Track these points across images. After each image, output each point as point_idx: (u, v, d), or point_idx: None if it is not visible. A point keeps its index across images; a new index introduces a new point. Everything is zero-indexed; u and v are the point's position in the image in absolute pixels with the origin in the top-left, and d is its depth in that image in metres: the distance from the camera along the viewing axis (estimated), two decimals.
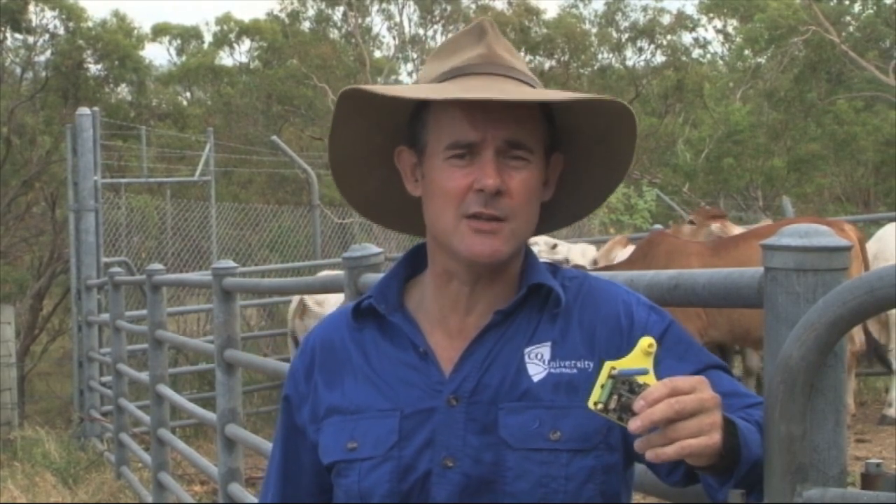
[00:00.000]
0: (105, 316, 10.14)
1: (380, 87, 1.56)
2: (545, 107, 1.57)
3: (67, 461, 9.22)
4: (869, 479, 1.49)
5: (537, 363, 1.54)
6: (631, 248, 8.25)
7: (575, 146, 1.63)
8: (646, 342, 1.38)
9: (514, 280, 1.59)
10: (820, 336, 1.38)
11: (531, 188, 1.54)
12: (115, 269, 9.55)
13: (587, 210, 1.73)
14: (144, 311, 7.71)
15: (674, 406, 1.30)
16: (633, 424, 1.31)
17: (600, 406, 1.35)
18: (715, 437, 1.33)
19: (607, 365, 1.36)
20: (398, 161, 1.63)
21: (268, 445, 4.49)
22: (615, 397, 1.34)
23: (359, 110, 1.60)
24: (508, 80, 1.56)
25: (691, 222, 8.25)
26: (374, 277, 3.29)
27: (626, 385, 1.34)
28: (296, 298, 9.51)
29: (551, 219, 1.69)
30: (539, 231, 1.65)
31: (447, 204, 1.53)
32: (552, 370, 1.53)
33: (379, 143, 1.65)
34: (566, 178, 1.64)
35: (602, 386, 1.35)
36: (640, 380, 1.34)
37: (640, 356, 1.37)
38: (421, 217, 1.61)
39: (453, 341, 1.57)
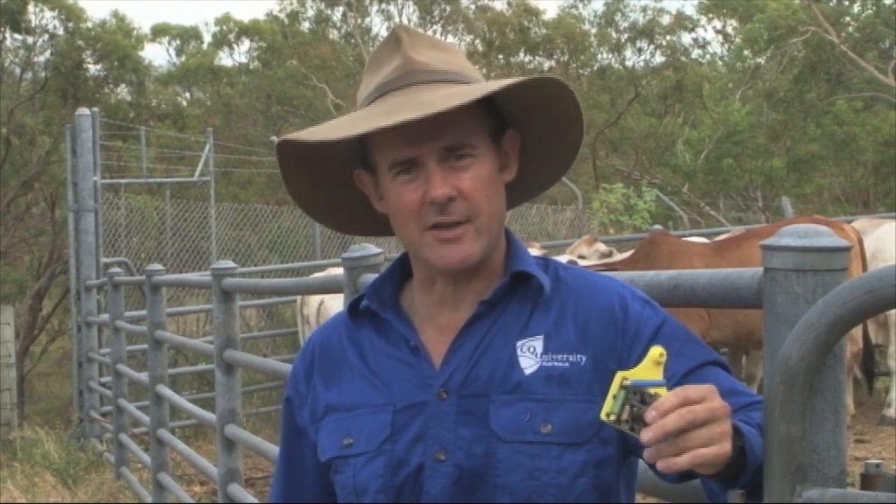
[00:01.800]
0: (104, 316, 10.14)
1: (309, 132, 1.56)
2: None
3: (67, 462, 9.21)
4: (868, 480, 1.50)
5: (529, 356, 1.54)
6: (599, 246, 8.31)
7: (524, 120, 1.61)
8: (657, 352, 1.37)
9: (499, 270, 1.59)
10: (819, 336, 1.38)
11: (486, 181, 1.53)
12: (115, 269, 9.55)
13: (554, 178, 1.72)
14: (144, 312, 7.71)
15: (686, 416, 1.30)
16: (646, 435, 1.31)
17: (613, 417, 1.34)
18: (726, 447, 1.33)
19: (619, 375, 1.35)
20: (359, 184, 1.63)
21: (267, 446, 4.49)
22: (627, 408, 1.34)
23: (305, 156, 1.61)
24: (430, 86, 1.54)
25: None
26: (373, 278, 3.29)
27: (638, 396, 1.34)
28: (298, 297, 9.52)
29: (519, 192, 1.68)
30: (510, 205, 1.65)
31: (406, 220, 1.53)
32: (544, 363, 1.53)
33: (339, 175, 1.65)
34: (525, 151, 1.63)
35: (614, 397, 1.35)
36: (651, 390, 1.34)
37: (650, 366, 1.37)
38: None
39: (443, 335, 1.58)
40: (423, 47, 1.58)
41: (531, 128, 1.63)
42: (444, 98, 1.49)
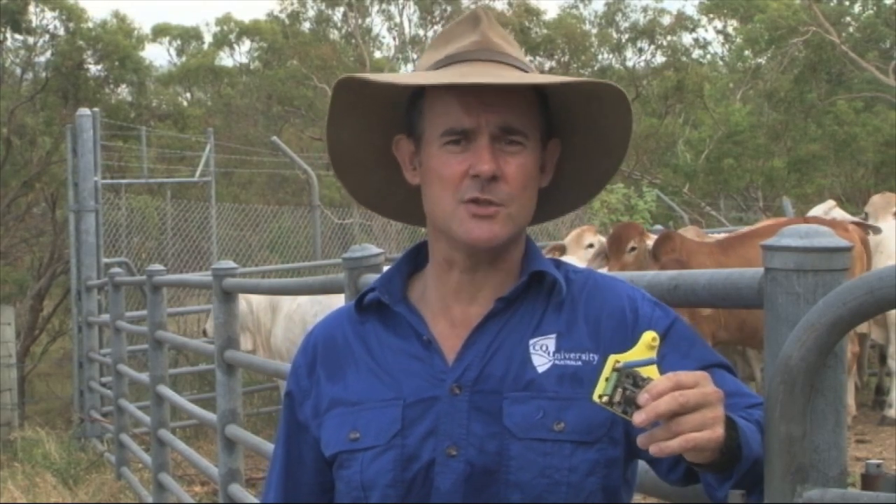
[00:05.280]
0: (105, 316, 10.13)
1: (374, 75, 1.57)
2: (541, 93, 1.58)
3: (68, 462, 9.22)
4: (869, 480, 1.49)
5: (542, 354, 1.54)
6: (601, 237, 8.39)
7: (571, 132, 1.63)
8: (649, 336, 1.38)
9: (516, 268, 1.60)
10: (820, 337, 1.38)
11: (527, 173, 1.55)
12: (116, 269, 9.55)
13: (585, 198, 1.74)
14: (145, 312, 7.71)
15: (678, 399, 1.30)
16: (638, 418, 1.31)
17: (605, 399, 1.35)
18: (718, 431, 1.33)
19: (611, 358, 1.36)
20: (396, 150, 1.64)
21: (268, 446, 4.49)
22: (619, 391, 1.34)
23: (355, 105, 1.61)
24: (502, 65, 1.56)
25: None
26: (374, 278, 3.28)
27: (631, 379, 1.34)
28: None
29: (550, 207, 1.70)
30: (538, 219, 1.67)
31: (444, 190, 1.54)
32: (557, 362, 1.54)
33: (378, 139, 1.66)
34: (564, 166, 1.65)
35: (606, 379, 1.35)
36: (644, 374, 1.34)
37: (643, 350, 1.37)
38: (422, 210, 1.63)
39: (456, 330, 1.57)
40: (496, 34, 1.60)
41: (573, 143, 1.64)
42: (519, 78, 1.53)
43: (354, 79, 1.56)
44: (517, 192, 1.53)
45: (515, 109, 1.53)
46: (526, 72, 1.59)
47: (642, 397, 1.31)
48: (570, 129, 1.63)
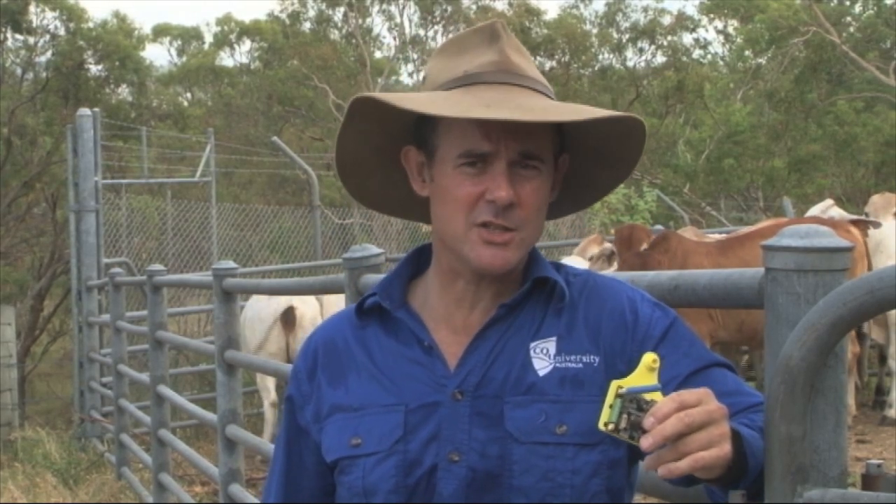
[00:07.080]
0: (106, 317, 10.14)
1: (396, 97, 1.53)
2: None
3: (68, 462, 9.22)
4: (869, 480, 1.49)
5: (543, 357, 1.54)
6: (606, 245, 8.41)
7: (581, 147, 1.63)
8: (650, 358, 1.38)
9: (518, 275, 1.60)
10: (820, 337, 1.38)
11: (541, 197, 1.55)
12: (116, 269, 9.55)
13: (586, 205, 1.75)
14: (145, 312, 7.71)
15: (683, 420, 1.30)
16: (646, 442, 1.31)
17: (611, 426, 1.34)
18: (725, 448, 1.33)
19: (614, 384, 1.36)
20: (405, 160, 1.63)
21: (268, 446, 4.49)
22: (625, 416, 1.34)
23: (367, 113, 1.59)
24: (524, 90, 1.54)
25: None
26: (374, 278, 3.29)
27: (634, 403, 1.34)
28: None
29: (551, 212, 1.68)
30: None
31: (457, 211, 1.53)
32: (558, 364, 1.54)
33: (383, 143, 1.64)
34: (570, 176, 1.65)
35: (611, 406, 1.35)
36: (647, 396, 1.34)
37: (644, 372, 1.37)
38: (425, 209, 1.62)
39: (458, 336, 1.57)
40: (514, 50, 1.58)
41: (581, 156, 1.63)
42: (546, 108, 1.52)
43: (374, 99, 1.54)
44: (531, 216, 1.53)
45: (535, 135, 1.52)
46: (547, 95, 1.57)
47: (648, 421, 1.31)
48: (580, 144, 1.62)
